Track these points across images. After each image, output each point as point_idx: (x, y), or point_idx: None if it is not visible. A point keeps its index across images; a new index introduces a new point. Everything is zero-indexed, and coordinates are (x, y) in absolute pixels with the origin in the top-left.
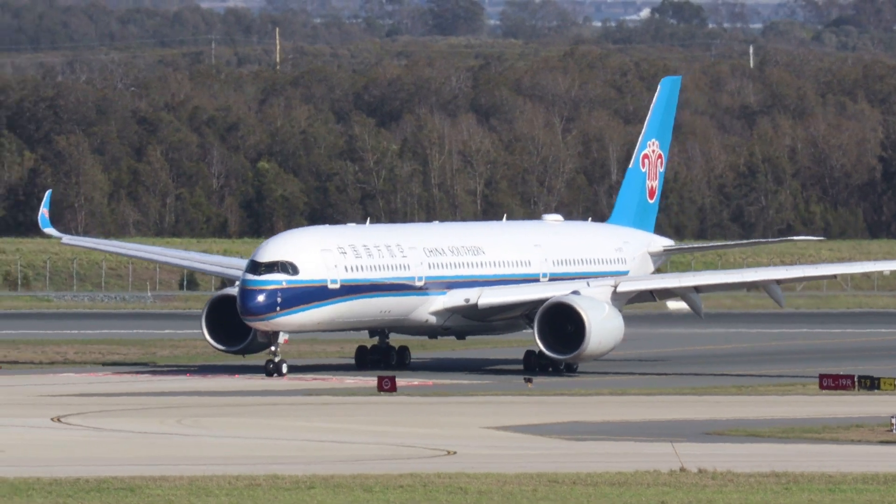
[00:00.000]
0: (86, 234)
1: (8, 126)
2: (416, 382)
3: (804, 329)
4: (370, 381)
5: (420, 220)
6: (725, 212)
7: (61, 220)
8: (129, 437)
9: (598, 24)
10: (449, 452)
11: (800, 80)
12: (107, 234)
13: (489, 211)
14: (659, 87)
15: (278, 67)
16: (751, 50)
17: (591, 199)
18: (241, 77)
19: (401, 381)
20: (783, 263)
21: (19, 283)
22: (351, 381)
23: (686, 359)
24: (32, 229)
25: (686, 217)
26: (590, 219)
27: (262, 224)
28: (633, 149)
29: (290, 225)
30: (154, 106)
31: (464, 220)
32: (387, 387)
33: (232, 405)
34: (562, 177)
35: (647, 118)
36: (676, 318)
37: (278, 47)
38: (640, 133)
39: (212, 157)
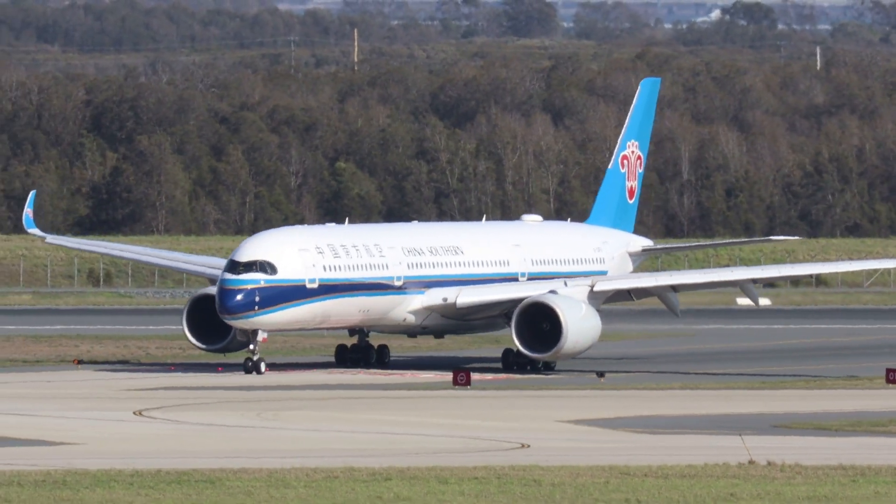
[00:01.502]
0: (167, 232)
1: (91, 126)
2: (489, 377)
3: (872, 325)
4: (446, 375)
5: (495, 219)
6: (793, 210)
7: (142, 219)
8: (210, 430)
9: (670, 25)
10: (523, 445)
11: (867, 81)
12: (187, 233)
13: (562, 209)
14: (639, 88)
15: (356, 68)
16: (818, 51)
17: (662, 196)
18: (319, 78)
19: (474, 376)
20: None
21: (101, 279)
22: (426, 375)
23: (757, 354)
24: (115, 227)
25: (754, 215)
26: (569, 219)
27: (339, 222)
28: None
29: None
30: (233, 106)
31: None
32: (462, 381)
33: (310, 399)
34: None
35: (627, 120)
36: (748, 314)
37: (356, 48)
38: (709, 132)
39: (290, 157)
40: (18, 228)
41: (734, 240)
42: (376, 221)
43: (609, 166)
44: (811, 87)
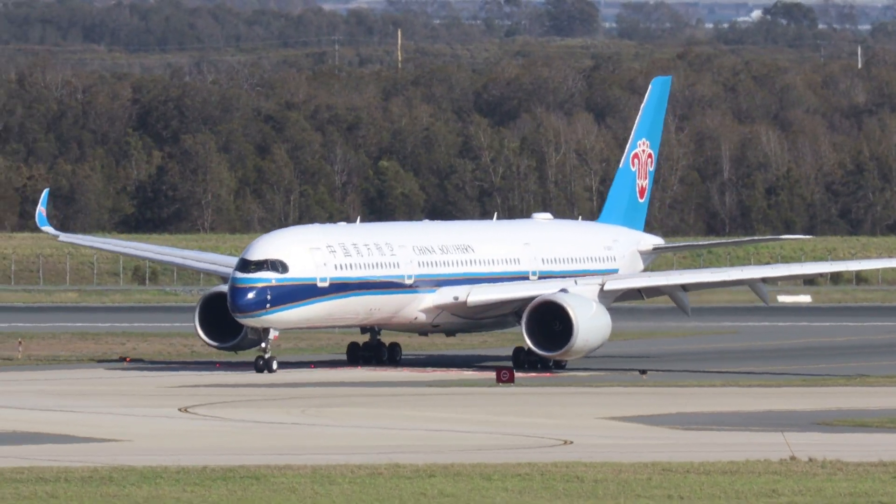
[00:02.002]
0: (212, 230)
1: (137, 125)
2: (532, 374)
3: None
4: (489, 373)
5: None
6: (833, 208)
7: (188, 217)
8: (255, 427)
9: (711, 25)
10: (565, 442)
11: None
12: (232, 231)
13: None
14: (650, 87)
15: (400, 67)
16: (859, 50)
17: (703, 195)
18: (362, 77)
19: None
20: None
21: (147, 277)
22: (470, 372)
23: (798, 351)
24: (160, 226)
25: (795, 213)
26: (580, 217)
27: (383, 220)
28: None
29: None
30: (278, 105)
31: (582, 216)
32: (505, 378)
33: (354, 395)
34: (675, 174)
35: (638, 118)
36: (790, 311)
37: (399, 48)
38: (750, 130)
39: (334, 156)
40: (65, 227)
41: (741, 239)
42: (420, 220)
43: (620, 165)
44: (852, 87)
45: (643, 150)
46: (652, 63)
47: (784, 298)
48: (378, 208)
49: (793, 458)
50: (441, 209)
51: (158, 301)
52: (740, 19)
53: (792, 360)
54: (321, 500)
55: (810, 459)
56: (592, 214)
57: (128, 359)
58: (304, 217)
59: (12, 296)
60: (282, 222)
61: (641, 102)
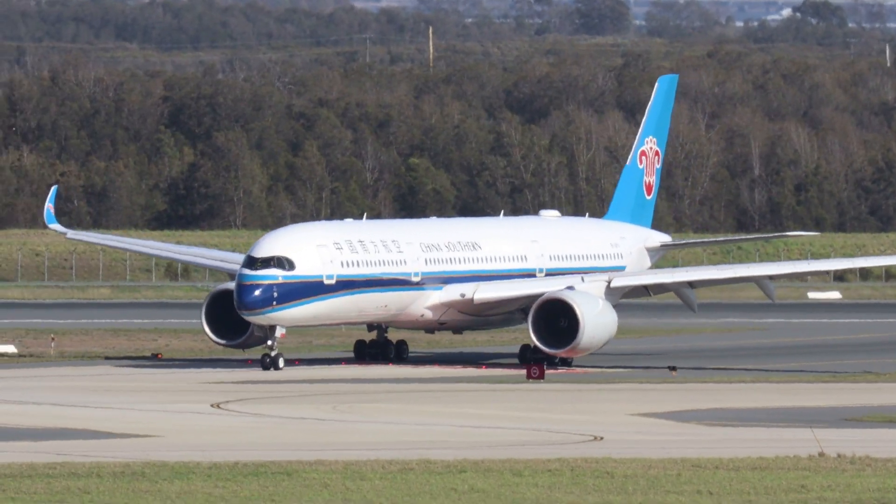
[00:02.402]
0: (245, 227)
1: (169, 122)
2: (562, 370)
3: None
4: (520, 369)
5: (568, 214)
6: (863, 205)
7: (220, 214)
8: (286, 423)
9: (741, 23)
10: (596, 438)
11: None
12: (265, 227)
13: None
14: (656, 84)
15: (431, 65)
16: (887, 48)
17: (733, 192)
18: (394, 75)
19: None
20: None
21: (179, 273)
22: (501, 369)
23: (827, 348)
24: (192, 222)
25: (825, 210)
26: (587, 215)
27: (414, 217)
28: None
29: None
30: (310, 102)
31: (589, 213)
32: (535, 374)
33: (386, 392)
34: (705, 171)
35: (645, 116)
36: (820, 308)
37: (431, 46)
38: (779, 128)
39: (366, 153)
40: (98, 223)
41: (749, 236)
42: (450, 216)
43: (627, 162)
44: (881, 84)
45: (650, 148)
46: (682, 61)
47: (814, 295)
48: (409, 205)
49: (822, 454)
50: (472, 206)
51: (190, 297)
52: (770, 18)
53: (821, 357)
54: (352, 496)
55: (839, 455)
56: None
57: (159, 355)
58: (336, 214)
59: (45, 292)
60: (314, 219)
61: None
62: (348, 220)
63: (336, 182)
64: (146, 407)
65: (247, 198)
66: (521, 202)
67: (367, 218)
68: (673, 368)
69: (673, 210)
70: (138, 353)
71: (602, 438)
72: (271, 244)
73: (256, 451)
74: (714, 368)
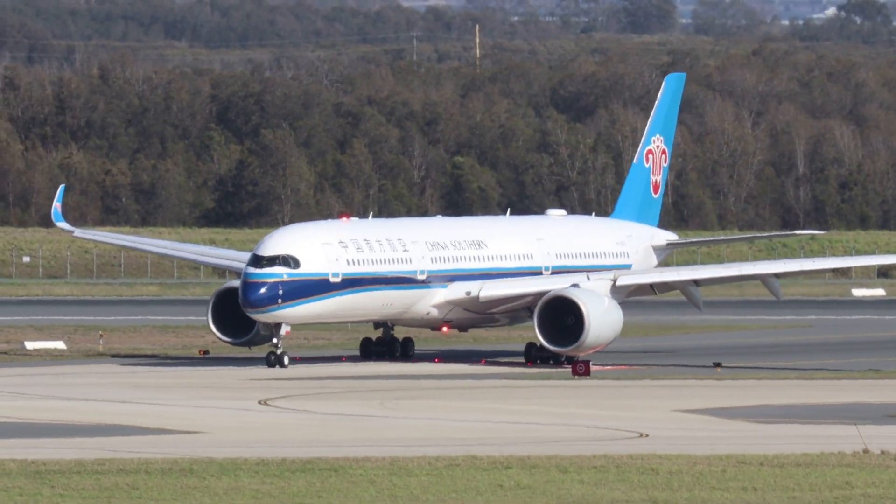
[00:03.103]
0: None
1: (217, 120)
2: (608, 367)
3: None
4: (565, 365)
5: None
6: None
7: (268, 211)
8: (333, 419)
9: (786, 22)
10: (641, 434)
11: None
12: None
13: (679, 203)
14: (664, 83)
15: (478, 64)
16: None
17: (778, 189)
18: (441, 73)
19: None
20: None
21: (226, 270)
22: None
23: (871, 344)
24: (240, 220)
25: (870, 208)
26: (593, 213)
27: (461, 215)
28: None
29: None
30: (357, 100)
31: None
32: (581, 371)
33: (432, 388)
34: (750, 168)
35: (652, 115)
36: (869, 304)
37: (478, 44)
38: (824, 126)
39: (413, 151)
40: (146, 221)
41: (755, 235)
42: (496, 214)
43: (634, 161)
44: None
45: (657, 147)
46: (727, 59)
47: (858, 292)
48: (455, 202)
49: (866, 450)
50: (517, 204)
51: None
52: (815, 16)
53: (865, 353)
54: (399, 492)
55: (883, 452)
56: (668, 209)
57: (203, 352)
58: (384, 211)
59: (94, 289)
60: (361, 216)
61: (716, 98)
62: (354, 219)
63: (383, 180)
64: (194, 403)
65: (294, 195)
66: (567, 200)
67: (412, 216)
68: (718, 365)
69: (718, 207)
70: (186, 349)
71: (647, 435)
72: (277, 242)
73: (303, 447)
74: (758, 365)
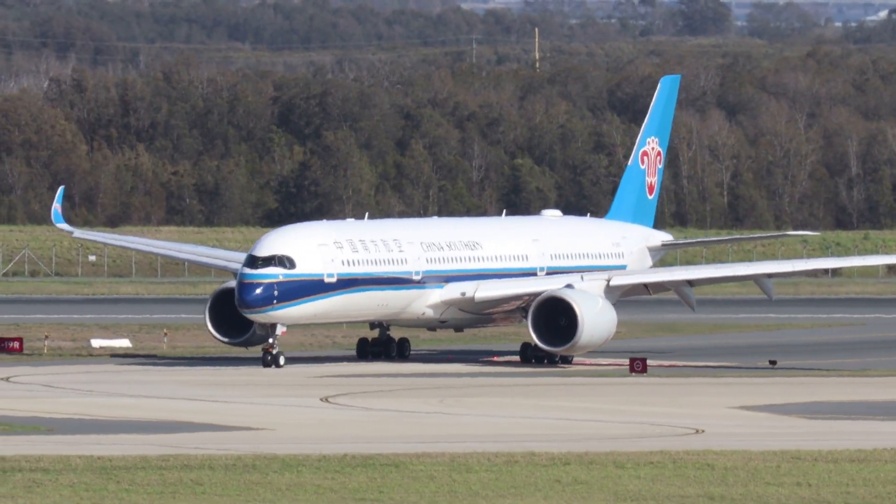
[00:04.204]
0: None
1: (280, 121)
2: (665, 364)
3: None
4: (622, 361)
5: (670, 211)
6: None
7: (330, 212)
8: (394, 416)
9: (839, 24)
10: (697, 431)
11: None
12: None
13: (735, 203)
14: (659, 85)
15: (537, 66)
16: None
17: (831, 190)
18: (500, 75)
19: (595, 360)
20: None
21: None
22: (605, 362)
23: None
24: (302, 220)
25: None
26: (588, 214)
27: (520, 215)
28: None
29: None
30: (418, 102)
31: (712, 209)
32: (638, 368)
33: (492, 385)
34: (804, 169)
35: (647, 116)
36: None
37: (537, 47)
38: (877, 127)
39: (472, 152)
40: (210, 221)
41: (749, 236)
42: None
43: (629, 162)
44: None
45: (652, 148)
46: (781, 61)
47: None
48: (514, 203)
49: None
50: (575, 204)
51: None
52: (868, 18)
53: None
54: (458, 488)
55: None
56: (723, 209)
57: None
58: (443, 211)
59: (158, 288)
60: (421, 216)
61: (770, 100)
62: (350, 220)
63: (443, 180)
64: (257, 400)
65: (356, 196)
66: None
67: (471, 215)
68: (773, 362)
69: (773, 208)
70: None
71: (703, 431)
72: (272, 243)
73: (364, 443)
74: (813, 363)
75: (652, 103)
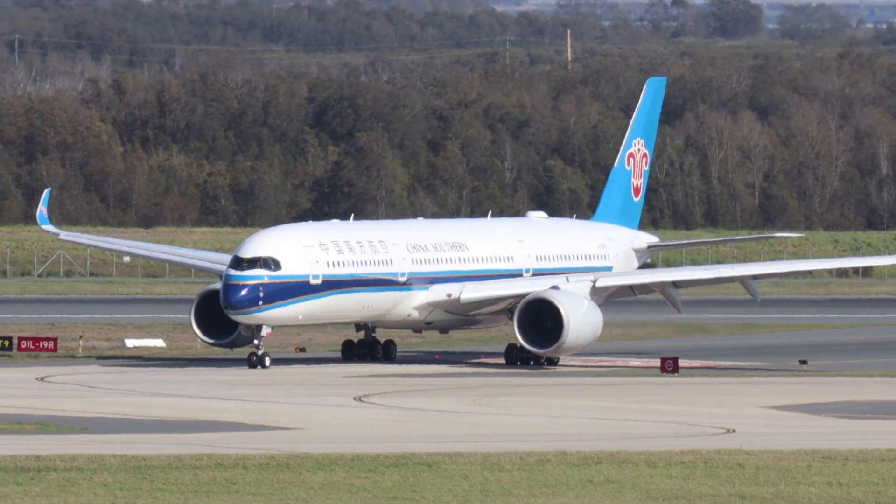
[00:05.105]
0: None
1: (313, 122)
2: (696, 364)
3: None
4: (654, 362)
5: (701, 212)
6: None
7: (363, 212)
8: (427, 416)
9: (870, 25)
10: (728, 430)
11: None
12: None
13: (766, 204)
14: (644, 87)
15: (569, 67)
16: None
17: (862, 191)
18: (533, 76)
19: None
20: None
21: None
22: (636, 362)
23: None
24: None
25: None
26: (574, 216)
27: (552, 216)
28: None
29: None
30: (450, 103)
31: (742, 209)
32: (669, 368)
33: (524, 385)
34: (835, 170)
35: (633, 118)
36: None
37: (569, 48)
38: None
39: (504, 153)
40: (244, 221)
41: (734, 237)
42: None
43: (615, 164)
44: None
45: (638, 150)
46: (813, 63)
47: None
48: (546, 203)
49: None
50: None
51: None
52: None
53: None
54: (491, 487)
55: None
56: (754, 209)
57: (300, 349)
58: (476, 212)
59: (194, 288)
60: (454, 217)
61: (801, 101)
62: (335, 221)
63: (476, 181)
64: (290, 400)
65: (389, 196)
66: (655, 201)
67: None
68: (804, 362)
69: (803, 208)
70: (283, 346)
71: (734, 431)
72: (257, 245)
73: (397, 442)
74: (844, 362)
75: (638, 105)
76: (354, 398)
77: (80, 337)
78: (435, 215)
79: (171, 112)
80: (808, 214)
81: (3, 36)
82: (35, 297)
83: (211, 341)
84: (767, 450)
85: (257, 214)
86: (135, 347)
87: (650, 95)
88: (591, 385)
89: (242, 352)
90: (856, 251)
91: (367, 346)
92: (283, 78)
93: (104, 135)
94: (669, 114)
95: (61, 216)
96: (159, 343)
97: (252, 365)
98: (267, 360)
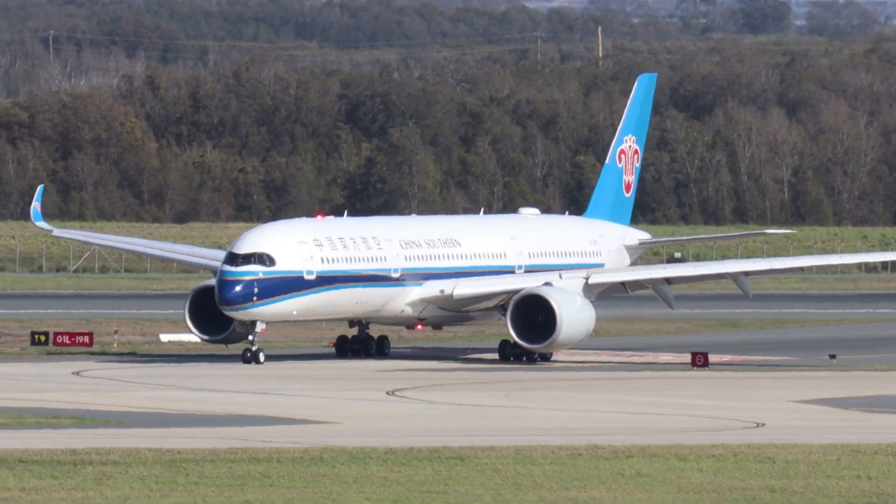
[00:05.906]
0: None
1: (346, 119)
2: (726, 359)
3: None
4: (684, 357)
5: (731, 207)
6: None
7: (395, 208)
8: (460, 410)
9: None
10: (758, 424)
11: None
12: None
13: (796, 199)
14: (636, 83)
15: (600, 64)
16: None
17: (891, 186)
18: (563, 73)
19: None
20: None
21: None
22: (666, 357)
23: None
24: (368, 216)
25: None
26: (567, 212)
27: (582, 211)
28: None
29: None
30: (481, 100)
31: (771, 205)
32: (699, 363)
33: (557, 380)
34: (864, 167)
35: (624, 115)
36: None
37: (600, 45)
38: None
39: (535, 149)
40: (277, 217)
41: (729, 234)
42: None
43: (606, 161)
44: None
45: (629, 146)
46: (841, 59)
47: None
48: (576, 199)
49: None
50: (637, 201)
51: None
52: None
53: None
54: (523, 480)
55: None
56: (784, 205)
57: (333, 343)
58: (508, 207)
59: None
60: (486, 212)
61: (830, 98)
62: (329, 217)
63: (507, 177)
64: (324, 394)
65: (421, 192)
66: (685, 197)
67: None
68: (833, 357)
69: (832, 204)
70: (317, 341)
71: (764, 425)
72: (252, 241)
73: (430, 436)
74: (873, 357)
75: (629, 101)
76: (387, 392)
77: (115, 332)
78: (466, 211)
79: (205, 108)
80: (836, 210)
81: (38, 33)
82: (70, 293)
83: (206, 338)
84: (797, 443)
85: (290, 210)
86: (169, 342)
87: (641, 92)
88: (623, 379)
89: (237, 348)
90: (885, 246)
91: (361, 342)
92: (315, 75)
93: (138, 131)
94: (698, 109)
95: (97, 212)
96: (193, 338)
97: (246, 361)
98: (261, 356)
